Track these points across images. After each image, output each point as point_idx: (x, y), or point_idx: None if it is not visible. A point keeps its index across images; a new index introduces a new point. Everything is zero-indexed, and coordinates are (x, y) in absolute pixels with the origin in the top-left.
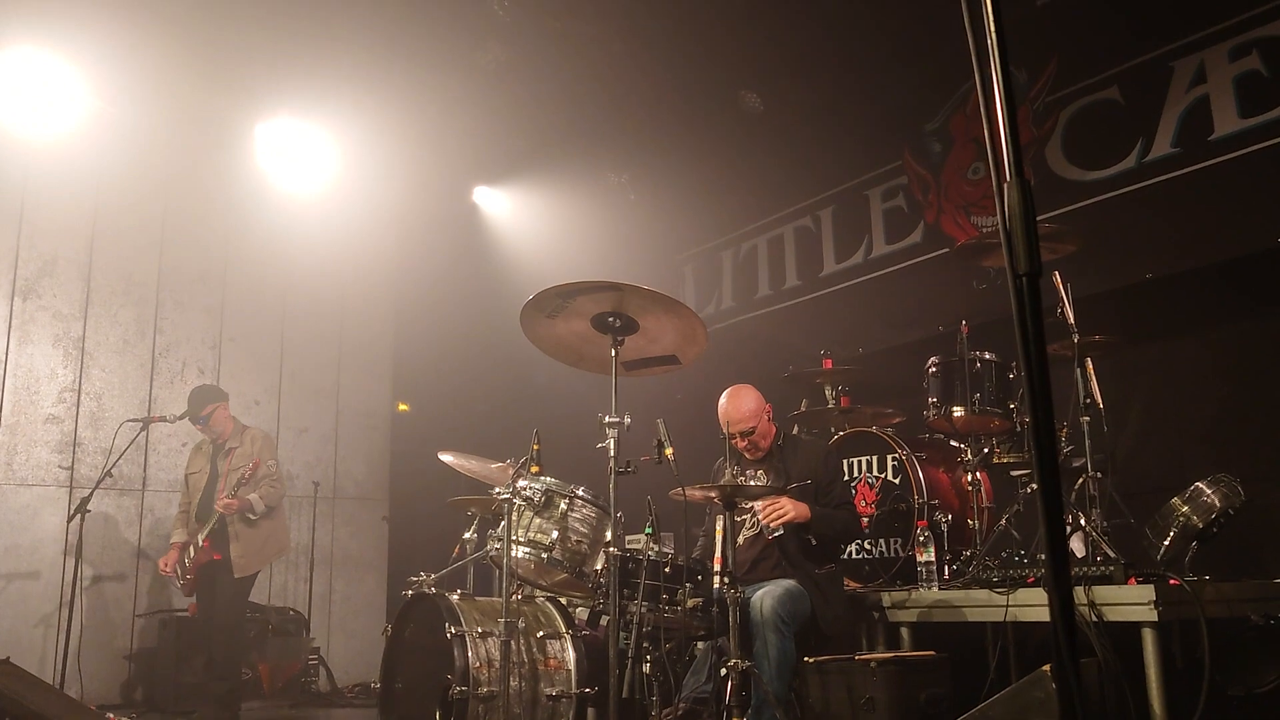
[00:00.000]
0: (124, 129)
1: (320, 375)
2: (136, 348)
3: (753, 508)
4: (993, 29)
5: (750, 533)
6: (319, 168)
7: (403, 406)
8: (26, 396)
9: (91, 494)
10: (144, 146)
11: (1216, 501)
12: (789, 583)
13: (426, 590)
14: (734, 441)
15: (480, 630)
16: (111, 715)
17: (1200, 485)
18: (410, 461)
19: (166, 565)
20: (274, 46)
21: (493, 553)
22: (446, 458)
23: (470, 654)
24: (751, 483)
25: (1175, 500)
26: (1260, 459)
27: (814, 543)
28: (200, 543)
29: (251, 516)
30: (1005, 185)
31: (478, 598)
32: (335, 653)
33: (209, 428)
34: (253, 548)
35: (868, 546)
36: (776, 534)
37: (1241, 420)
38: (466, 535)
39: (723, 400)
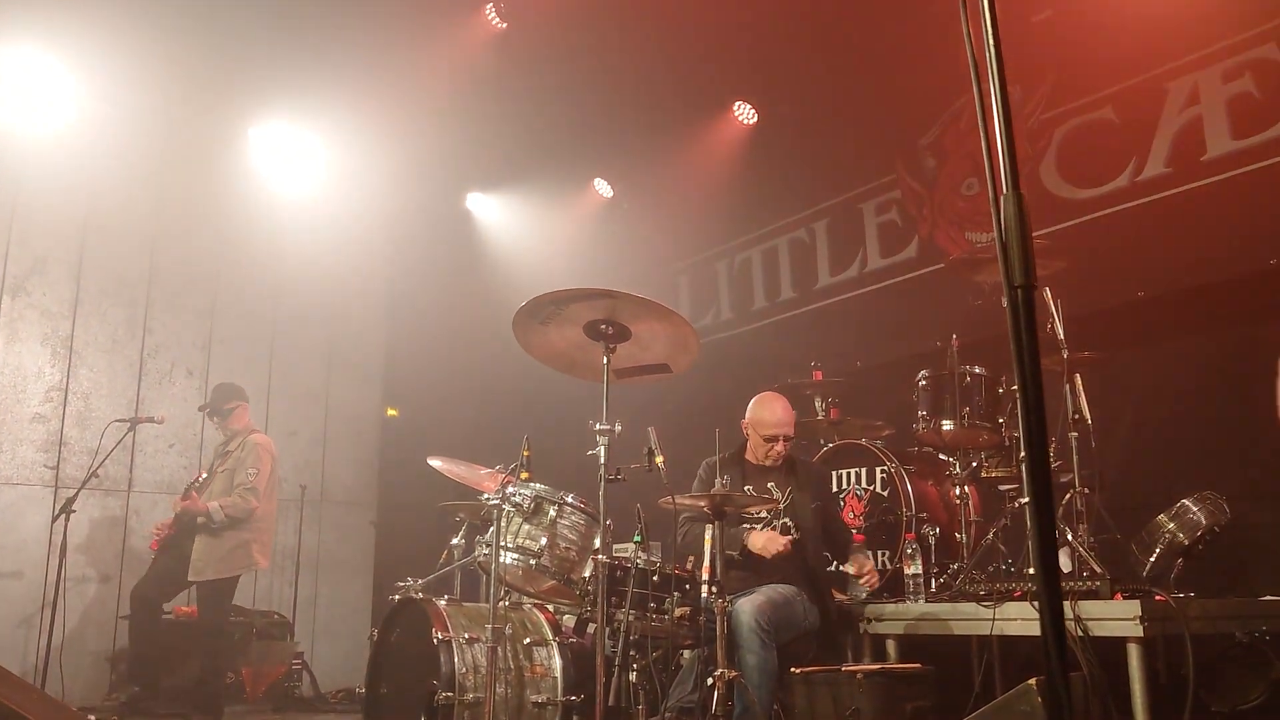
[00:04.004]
0: (117, 128)
1: (310, 378)
2: (125, 348)
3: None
4: (991, 42)
5: None
6: (312, 171)
7: (392, 411)
8: (13, 395)
9: (77, 494)
10: (137, 146)
11: (1203, 519)
12: (773, 591)
13: (413, 595)
14: (773, 446)
15: (467, 636)
16: (93, 717)
17: (1187, 502)
18: (399, 466)
19: (158, 527)
20: (269, 51)
21: (481, 558)
22: (436, 463)
23: (456, 660)
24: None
25: (1162, 517)
26: (1246, 477)
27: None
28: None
29: (213, 525)
30: (1001, 198)
31: (465, 603)
32: (320, 657)
33: (226, 424)
34: (214, 554)
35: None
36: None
37: (1229, 438)
38: (454, 541)
39: (766, 406)
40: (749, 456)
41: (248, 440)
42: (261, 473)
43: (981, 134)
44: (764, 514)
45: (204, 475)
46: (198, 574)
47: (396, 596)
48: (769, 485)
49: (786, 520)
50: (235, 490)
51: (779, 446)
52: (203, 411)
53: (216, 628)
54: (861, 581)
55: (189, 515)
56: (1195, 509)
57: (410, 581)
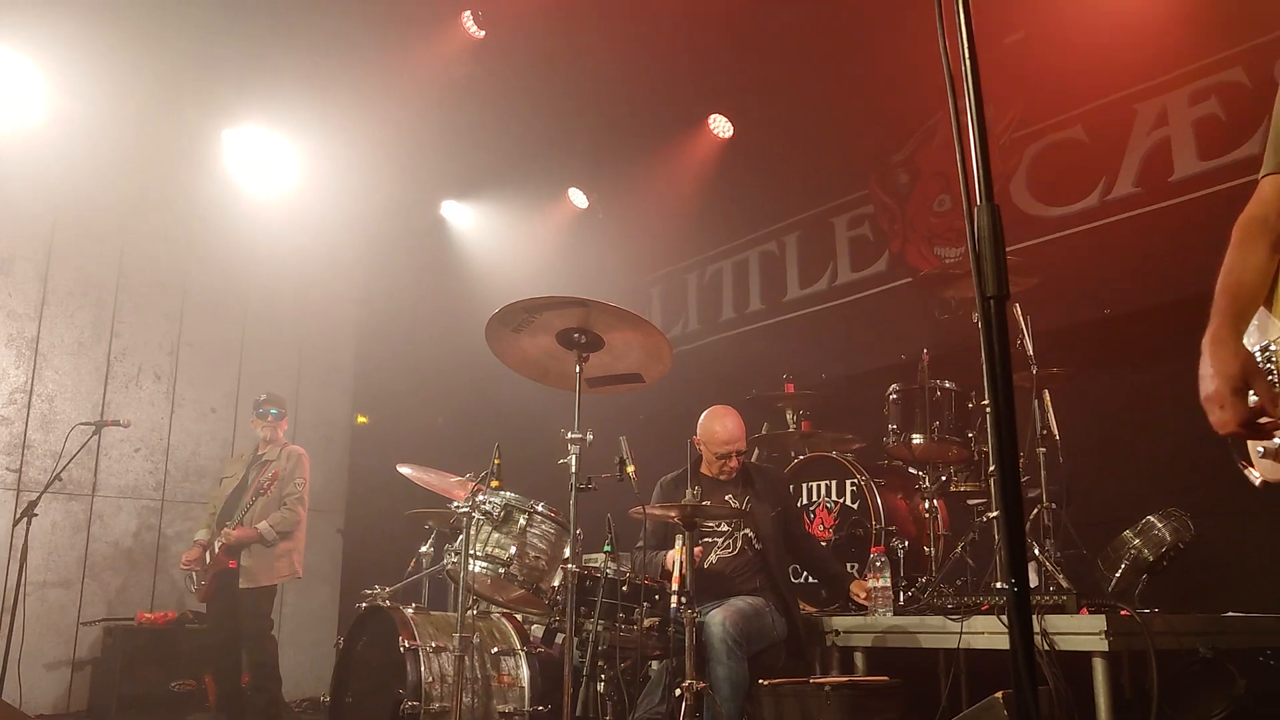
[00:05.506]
0: (87, 128)
1: (279, 385)
2: (92, 351)
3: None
4: (967, 54)
5: (725, 552)
6: (285, 176)
7: (362, 419)
8: None
9: (39, 498)
10: (107, 147)
11: (1167, 535)
12: (742, 602)
13: (381, 603)
14: (726, 462)
15: (434, 645)
16: None
17: (1152, 519)
18: (368, 474)
19: (187, 561)
20: (244, 53)
21: (449, 567)
22: (405, 470)
23: (423, 668)
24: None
25: (1127, 533)
26: (1210, 495)
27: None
28: (216, 549)
29: (266, 544)
30: (976, 209)
31: (432, 612)
32: (285, 666)
33: (275, 428)
34: (264, 561)
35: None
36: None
37: (1193, 456)
38: (423, 549)
39: (717, 421)
40: (705, 470)
41: (289, 451)
42: (306, 484)
43: (957, 147)
44: (724, 527)
45: (266, 488)
46: (252, 580)
47: (363, 604)
48: (726, 498)
49: (748, 531)
50: (285, 501)
51: (732, 463)
52: (260, 406)
53: (264, 633)
54: (863, 600)
55: (241, 545)
56: (1160, 525)
57: (377, 589)
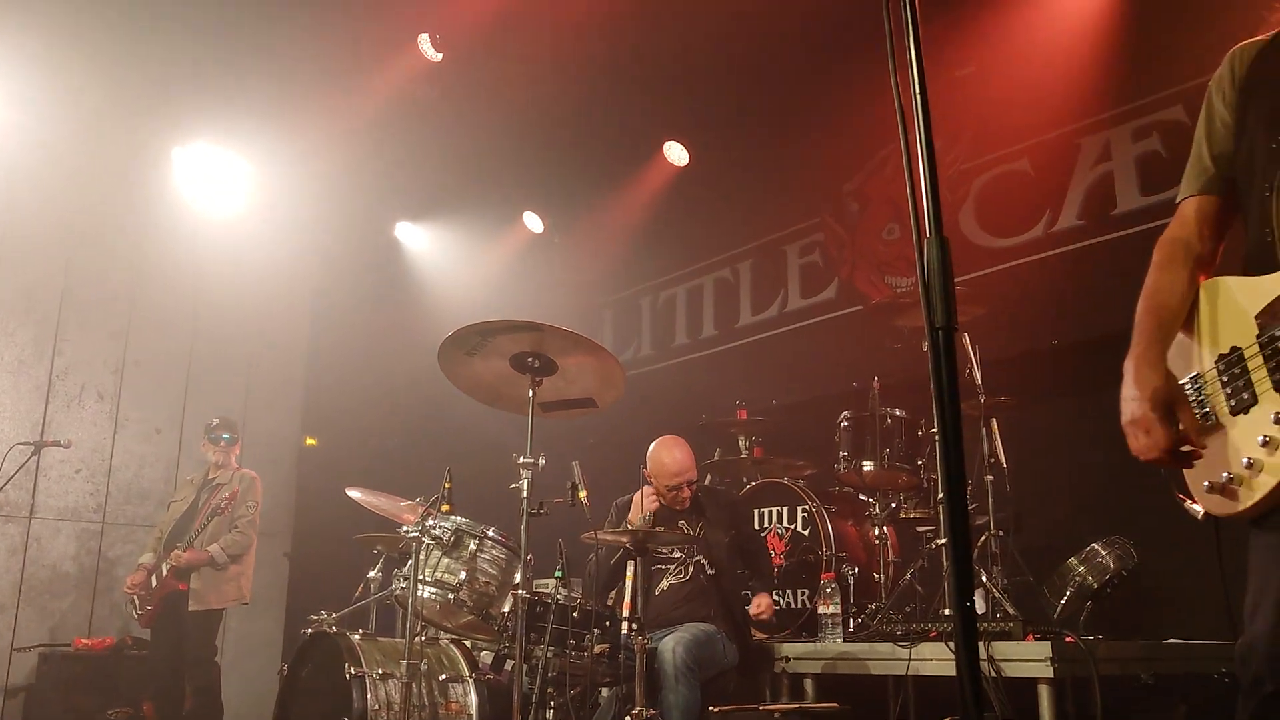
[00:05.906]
0: (32, 141)
1: (226, 405)
2: (33, 369)
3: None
4: (918, 89)
5: (678, 578)
6: (237, 194)
7: (311, 441)
8: None
9: None
10: (53, 161)
11: (1111, 562)
12: (698, 629)
13: (327, 629)
14: (678, 493)
15: (381, 672)
16: None
17: (1096, 546)
18: (316, 497)
19: (132, 585)
20: (196, 71)
21: (397, 592)
22: (354, 494)
23: (369, 696)
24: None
25: (1072, 560)
26: (1152, 523)
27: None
28: (164, 572)
29: (217, 567)
30: (925, 241)
31: (380, 638)
32: (227, 693)
33: (227, 452)
34: (212, 584)
35: (775, 597)
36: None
37: (1136, 485)
38: (371, 574)
39: (666, 452)
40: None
41: (240, 475)
42: (258, 507)
43: (907, 179)
44: (677, 554)
45: (223, 508)
46: (201, 603)
47: (309, 630)
48: (680, 524)
49: (700, 558)
50: (237, 524)
51: (683, 493)
52: (213, 431)
53: (208, 659)
54: (755, 612)
55: (191, 568)
56: (1104, 553)
57: (324, 615)
